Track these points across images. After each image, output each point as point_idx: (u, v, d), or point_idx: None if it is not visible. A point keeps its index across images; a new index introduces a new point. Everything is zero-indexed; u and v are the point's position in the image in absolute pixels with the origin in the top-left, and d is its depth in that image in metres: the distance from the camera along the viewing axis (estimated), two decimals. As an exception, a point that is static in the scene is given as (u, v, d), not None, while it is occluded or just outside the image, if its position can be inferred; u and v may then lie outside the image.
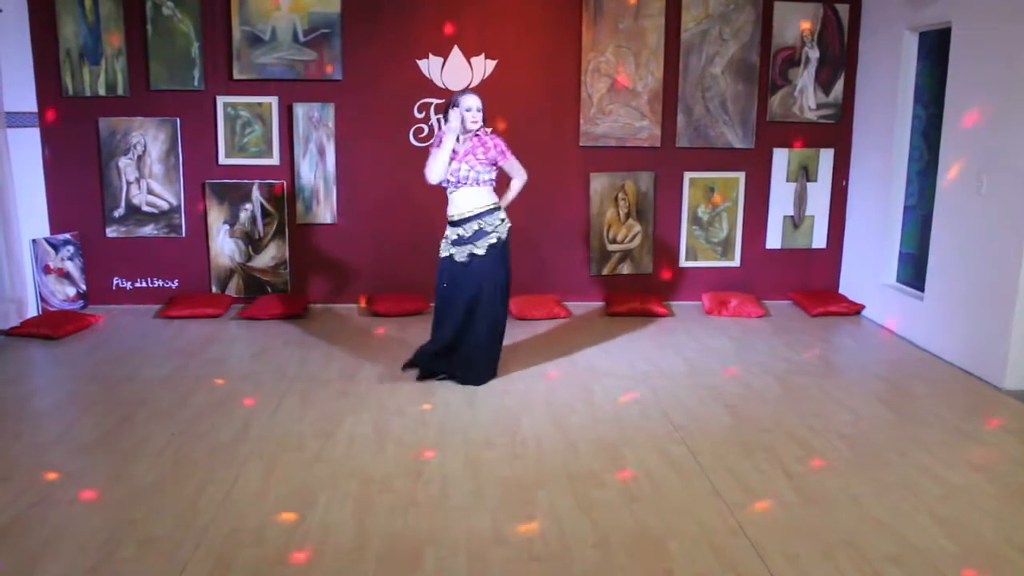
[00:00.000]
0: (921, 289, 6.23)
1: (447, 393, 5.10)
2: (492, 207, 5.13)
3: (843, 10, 7.05)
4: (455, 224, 5.13)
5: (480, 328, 5.13)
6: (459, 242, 5.11)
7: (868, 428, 4.65)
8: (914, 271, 6.49)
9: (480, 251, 5.08)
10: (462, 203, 5.10)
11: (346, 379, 5.34)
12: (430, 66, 6.90)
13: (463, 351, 5.19)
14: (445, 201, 5.14)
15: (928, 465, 4.16)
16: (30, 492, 3.77)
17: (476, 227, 5.08)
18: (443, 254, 5.20)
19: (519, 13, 6.91)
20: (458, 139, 5.11)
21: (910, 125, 6.50)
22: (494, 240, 5.10)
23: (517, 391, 5.15)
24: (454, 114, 5.06)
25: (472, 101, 5.11)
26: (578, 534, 3.48)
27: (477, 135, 5.14)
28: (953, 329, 5.76)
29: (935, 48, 6.22)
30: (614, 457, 4.21)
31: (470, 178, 5.07)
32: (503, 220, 5.15)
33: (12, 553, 3.28)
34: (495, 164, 5.15)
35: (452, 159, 5.08)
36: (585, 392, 5.15)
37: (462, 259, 5.11)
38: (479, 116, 5.12)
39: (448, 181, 5.11)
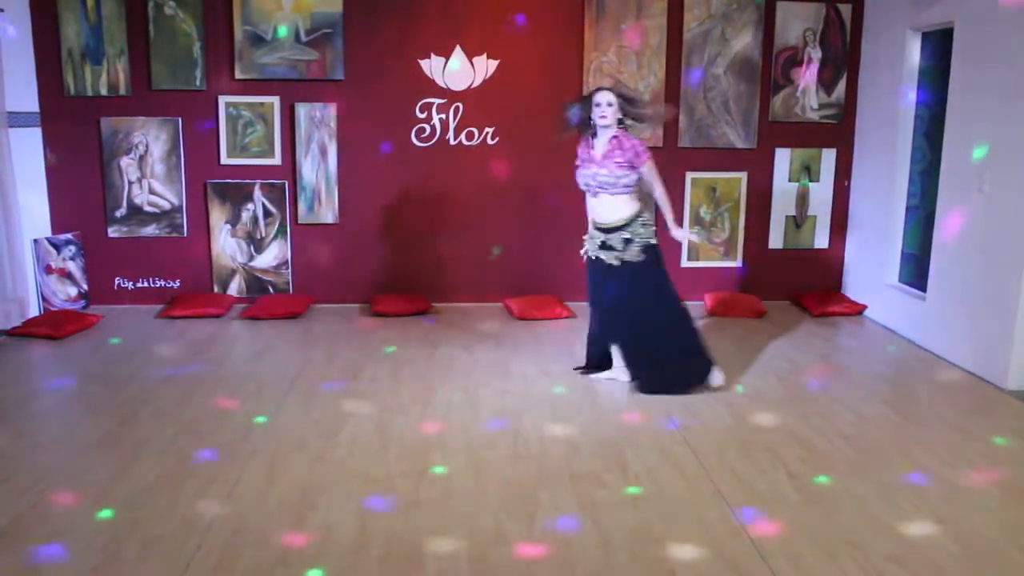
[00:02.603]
0: (923, 289, 6.22)
1: (449, 393, 5.09)
2: (635, 215, 4.97)
3: (845, 10, 7.05)
4: (602, 231, 5.03)
5: (662, 330, 5.07)
6: (605, 247, 5.02)
7: (871, 428, 4.64)
8: (916, 271, 6.48)
9: (630, 257, 4.97)
10: (605, 212, 4.98)
11: (348, 379, 5.34)
12: (432, 66, 6.90)
13: (655, 353, 5.11)
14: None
15: (931, 466, 4.15)
16: (31, 492, 3.77)
17: (625, 236, 4.96)
18: (591, 255, 5.12)
19: (521, 13, 6.90)
20: (593, 141, 4.97)
21: (912, 125, 6.49)
22: (641, 245, 4.96)
23: (519, 391, 5.15)
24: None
25: (601, 96, 4.92)
26: (581, 534, 3.48)
27: (616, 136, 4.93)
28: (956, 330, 5.75)
29: (937, 48, 6.22)
30: (616, 457, 4.21)
31: (608, 184, 4.90)
32: (646, 225, 4.98)
33: (12, 553, 3.28)
34: (633, 167, 4.91)
35: (591, 164, 4.94)
36: (588, 392, 5.14)
37: (612, 262, 5.01)
38: (608, 112, 4.89)
39: (589, 186, 4.99)
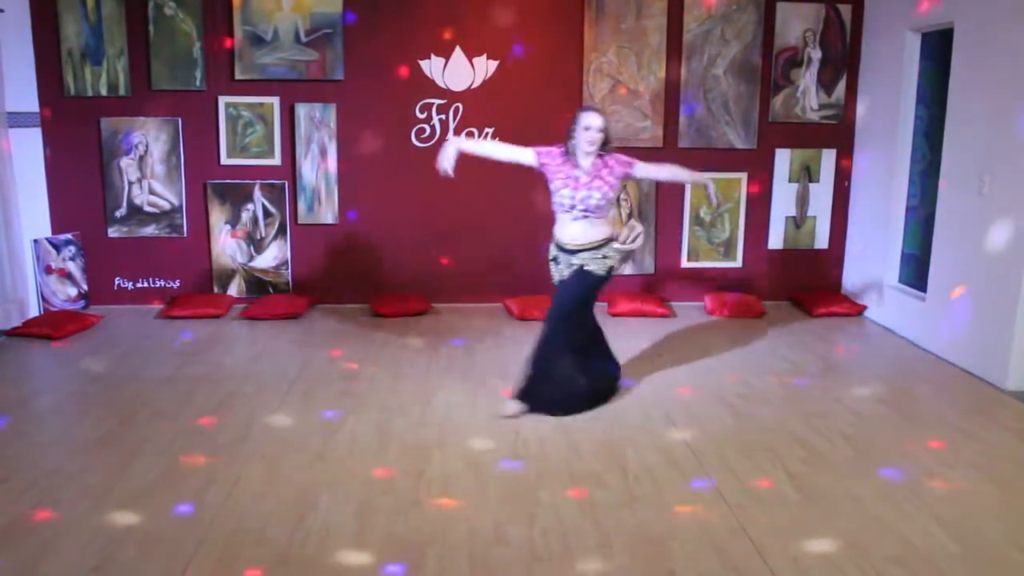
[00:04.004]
0: (923, 290, 6.22)
1: (448, 394, 5.09)
2: (609, 238, 4.74)
3: (845, 11, 7.05)
4: (571, 252, 4.71)
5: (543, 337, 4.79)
6: (571, 266, 4.73)
7: (870, 428, 4.64)
8: (916, 272, 6.48)
9: (593, 268, 4.68)
10: (582, 234, 4.67)
11: (348, 379, 5.34)
12: (432, 66, 6.90)
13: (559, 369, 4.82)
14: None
15: (930, 466, 4.15)
16: (31, 492, 3.77)
17: (598, 256, 4.69)
18: (555, 280, 4.83)
19: (521, 13, 6.90)
20: (576, 162, 4.66)
21: (912, 125, 6.49)
22: (609, 264, 4.73)
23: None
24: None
25: (591, 120, 4.60)
26: (580, 534, 3.48)
27: (600, 156, 4.66)
28: (955, 330, 5.75)
29: (937, 48, 6.22)
30: (617, 457, 4.21)
31: (599, 208, 4.64)
32: (616, 251, 4.78)
33: (13, 553, 3.28)
34: (627, 175, 4.72)
35: (576, 186, 4.62)
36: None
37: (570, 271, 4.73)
38: (597, 138, 4.59)
39: (573, 208, 4.65)
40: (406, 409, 4.83)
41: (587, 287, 4.74)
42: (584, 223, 4.68)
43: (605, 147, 4.69)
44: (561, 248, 4.77)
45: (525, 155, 4.82)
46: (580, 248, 4.70)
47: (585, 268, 4.69)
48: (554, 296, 4.82)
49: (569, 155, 4.69)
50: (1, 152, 6.07)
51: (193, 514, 3.60)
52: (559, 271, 4.80)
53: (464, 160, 7.18)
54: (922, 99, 6.43)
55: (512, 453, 4.26)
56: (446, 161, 4.85)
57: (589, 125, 4.59)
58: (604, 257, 4.71)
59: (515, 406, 4.77)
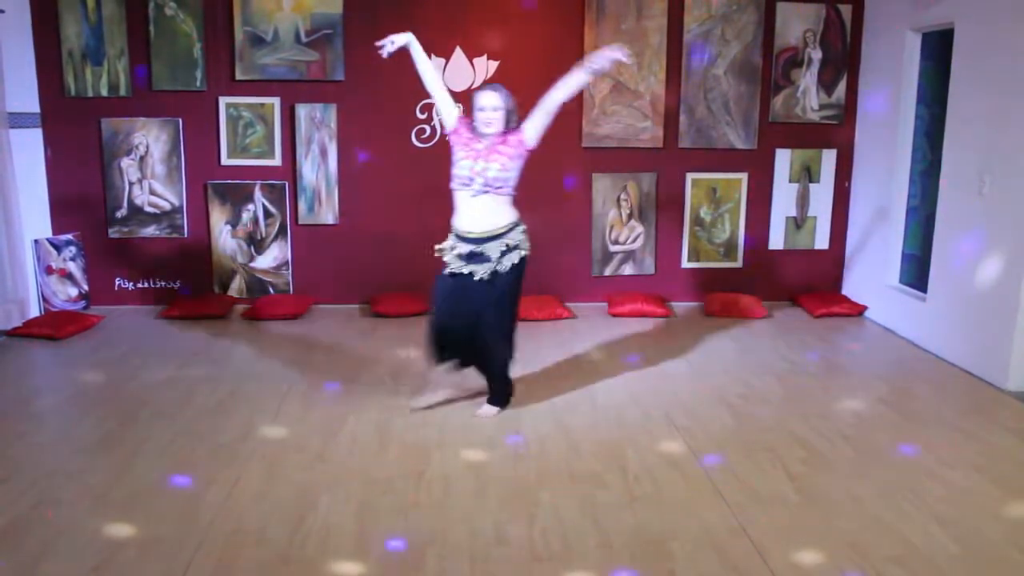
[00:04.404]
0: (924, 290, 6.22)
1: (449, 394, 5.09)
2: (515, 221, 4.49)
3: (845, 11, 7.05)
4: (474, 241, 4.43)
5: (493, 345, 4.59)
6: (479, 260, 4.45)
7: (870, 429, 4.64)
8: (917, 272, 6.48)
9: (504, 269, 4.46)
10: (484, 219, 4.39)
11: (348, 380, 5.34)
12: (432, 67, 6.88)
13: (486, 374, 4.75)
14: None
15: (930, 466, 4.15)
16: (31, 492, 3.77)
17: (503, 247, 4.44)
18: (453, 271, 4.51)
19: (522, 14, 6.90)
20: (473, 136, 4.40)
21: (913, 125, 6.49)
22: (522, 255, 4.51)
23: (519, 392, 5.14)
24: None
25: (484, 100, 4.35)
26: (580, 535, 3.48)
27: (505, 133, 4.42)
28: (956, 330, 5.75)
29: (937, 48, 6.22)
30: (617, 457, 4.21)
31: (498, 181, 4.34)
32: (525, 233, 4.54)
33: (13, 553, 3.28)
34: (522, 145, 4.41)
35: (475, 156, 4.34)
36: (587, 393, 5.14)
37: (482, 276, 4.45)
38: (494, 119, 4.35)
39: (471, 182, 4.35)
40: (407, 410, 4.83)
41: (511, 289, 4.52)
42: (486, 199, 4.36)
43: (515, 125, 4.45)
44: (463, 238, 4.46)
45: (451, 110, 4.54)
46: (485, 236, 4.41)
47: (499, 270, 4.44)
48: (456, 299, 4.52)
49: (475, 131, 4.46)
50: (1, 152, 6.07)
51: (193, 514, 3.60)
52: (456, 260, 4.50)
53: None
54: (923, 99, 6.43)
55: (512, 453, 4.26)
56: (391, 45, 4.49)
57: (483, 106, 4.35)
58: (513, 248, 4.46)
59: (488, 410, 4.77)
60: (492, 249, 4.44)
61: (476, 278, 4.47)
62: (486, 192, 4.37)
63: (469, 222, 4.44)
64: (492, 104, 4.35)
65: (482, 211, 4.41)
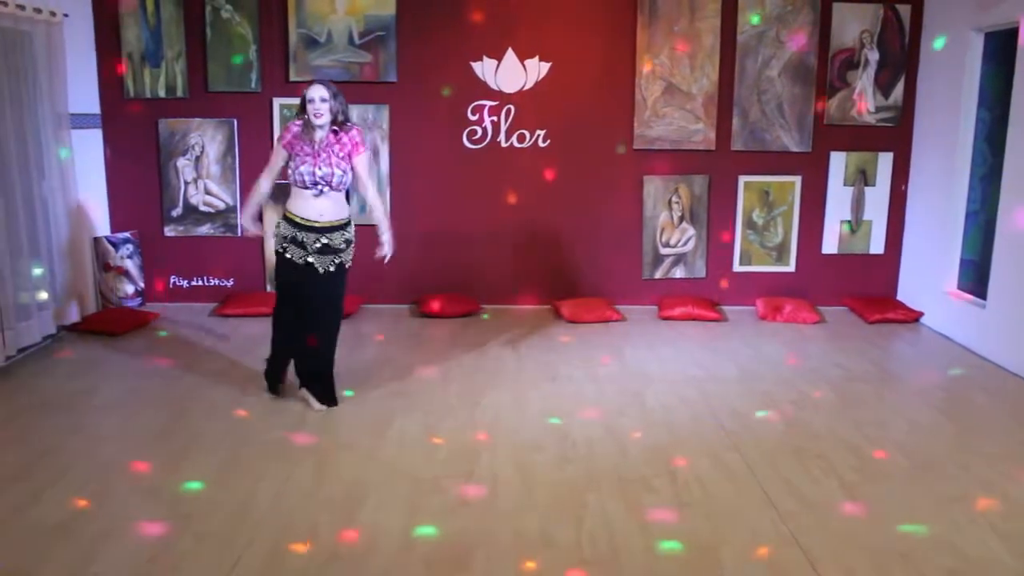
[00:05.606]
0: (983, 297, 6.07)
1: (497, 395, 5.10)
2: (350, 218, 4.76)
3: (904, 11, 6.91)
4: (318, 231, 4.60)
5: (325, 341, 4.81)
6: (324, 251, 4.62)
7: (926, 438, 4.54)
8: (976, 278, 6.33)
9: (346, 259, 4.73)
10: (328, 210, 4.60)
11: (398, 379, 5.37)
12: (484, 68, 6.91)
13: (310, 364, 4.86)
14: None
15: (988, 477, 4.05)
16: (88, 486, 3.85)
17: (347, 237, 4.70)
18: (296, 260, 4.61)
19: (574, 15, 6.89)
20: (312, 138, 4.55)
21: (973, 129, 6.35)
22: (352, 254, 4.78)
23: (568, 394, 5.14)
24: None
25: (314, 91, 4.51)
26: (627, 539, 3.46)
27: (334, 131, 4.59)
28: (1017, 338, 5.60)
29: (1000, 49, 6.06)
30: (666, 463, 4.17)
31: (334, 181, 4.57)
32: (352, 229, 4.77)
33: (72, 544, 3.35)
34: (350, 157, 4.62)
35: (316, 162, 4.54)
36: (636, 396, 5.11)
37: (326, 268, 4.64)
38: (323, 108, 4.50)
39: (313, 184, 4.55)
40: (454, 411, 4.84)
41: (343, 281, 4.80)
42: (326, 198, 4.60)
43: (343, 124, 4.61)
44: (304, 227, 4.60)
45: (278, 158, 4.74)
46: (330, 226, 4.63)
47: (340, 260, 4.69)
48: (295, 289, 4.67)
49: (306, 130, 4.58)
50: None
51: (244, 509, 3.64)
52: (301, 254, 4.61)
53: (516, 163, 7.18)
54: (984, 101, 6.27)
55: (561, 456, 4.25)
56: (253, 228, 4.89)
57: (312, 97, 4.50)
58: (351, 242, 4.74)
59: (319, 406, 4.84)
60: (338, 240, 4.68)
61: (322, 271, 4.67)
62: (327, 193, 4.62)
63: (315, 213, 4.62)
64: (320, 95, 4.51)
65: (327, 203, 4.63)
